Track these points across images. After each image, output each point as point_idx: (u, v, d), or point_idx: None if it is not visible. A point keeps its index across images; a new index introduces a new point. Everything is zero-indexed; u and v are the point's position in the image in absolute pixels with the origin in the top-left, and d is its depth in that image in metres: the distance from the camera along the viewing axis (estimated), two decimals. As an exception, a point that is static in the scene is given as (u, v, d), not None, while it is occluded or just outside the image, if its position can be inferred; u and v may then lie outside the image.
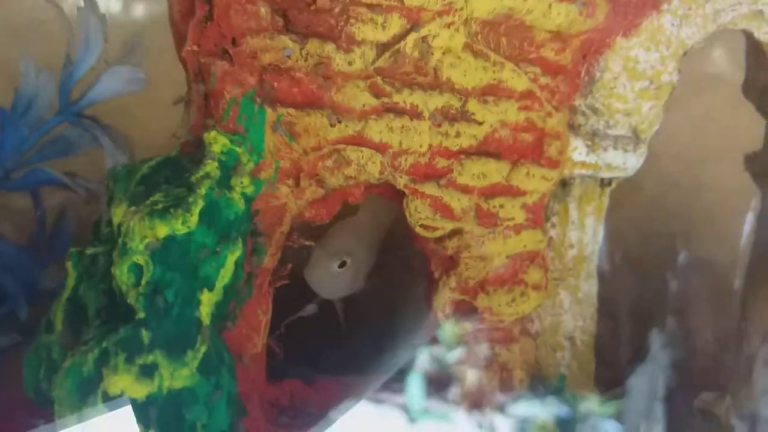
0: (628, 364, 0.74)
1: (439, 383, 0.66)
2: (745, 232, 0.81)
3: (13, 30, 0.80)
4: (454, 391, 0.66)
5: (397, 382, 0.65)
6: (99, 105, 0.74)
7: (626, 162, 0.71)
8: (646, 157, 0.72)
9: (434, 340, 0.67)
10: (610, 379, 0.73)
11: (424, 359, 0.66)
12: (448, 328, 0.67)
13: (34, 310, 0.76)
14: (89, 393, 0.54)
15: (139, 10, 0.87)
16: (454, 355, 0.67)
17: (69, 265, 0.61)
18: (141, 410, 0.54)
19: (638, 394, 0.70)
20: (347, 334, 0.76)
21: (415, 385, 0.65)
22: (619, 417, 0.68)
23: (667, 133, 0.76)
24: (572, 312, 0.74)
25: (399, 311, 0.79)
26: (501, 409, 0.66)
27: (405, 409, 0.63)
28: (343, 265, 0.68)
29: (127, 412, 0.52)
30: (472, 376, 0.67)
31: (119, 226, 0.57)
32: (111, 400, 0.54)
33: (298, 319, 0.71)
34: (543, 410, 0.67)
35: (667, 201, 1.02)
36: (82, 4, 0.72)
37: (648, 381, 0.70)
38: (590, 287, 0.74)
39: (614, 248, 0.81)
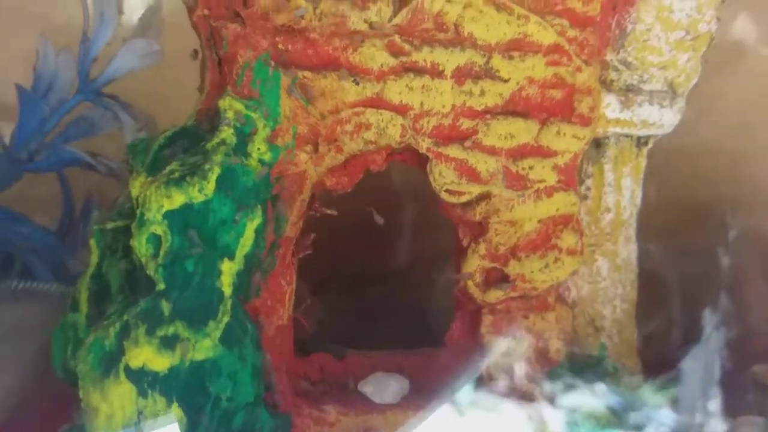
0: (680, 347, 0.70)
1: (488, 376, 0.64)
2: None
3: (29, 9, 0.80)
4: (502, 384, 0.64)
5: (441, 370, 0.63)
6: (120, 84, 0.74)
7: (663, 118, 0.68)
8: (687, 122, 0.69)
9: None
10: (661, 362, 0.69)
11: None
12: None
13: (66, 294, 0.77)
14: (112, 367, 0.53)
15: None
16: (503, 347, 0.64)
17: (92, 242, 0.61)
18: (164, 384, 0.53)
19: (693, 378, 0.66)
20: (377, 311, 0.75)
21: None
22: (673, 403, 0.65)
23: (709, 96, 0.73)
24: (611, 279, 0.71)
25: (430, 290, 0.77)
26: (550, 399, 0.63)
27: (453, 401, 0.61)
28: None
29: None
30: (520, 369, 0.64)
31: (137, 198, 0.56)
32: (134, 374, 0.53)
33: (328, 296, 0.70)
34: (592, 400, 0.64)
35: (710, 169, 0.97)
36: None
37: (703, 364, 0.66)
38: (629, 253, 0.71)
39: (658, 220, 0.77)
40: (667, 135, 0.70)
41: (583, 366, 0.68)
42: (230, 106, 0.56)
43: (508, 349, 0.65)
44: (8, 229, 0.72)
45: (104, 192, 0.80)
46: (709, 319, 0.69)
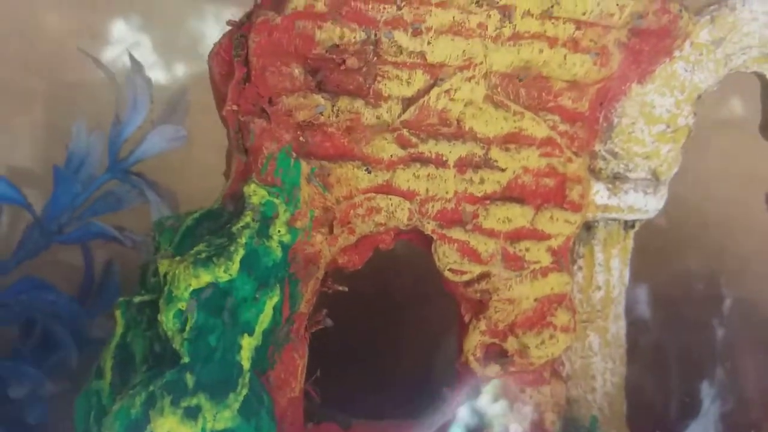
0: (679, 420, 0.72)
1: None
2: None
3: (66, 93, 0.87)
4: None
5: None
6: (145, 162, 0.80)
7: (647, 204, 0.73)
8: (678, 200, 0.74)
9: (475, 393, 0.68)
10: None
11: (464, 412, 0.67)
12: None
13: (83, 359, 0.80)
14: (137, 435, 0.57)
15: (181, 72, 0.94)
16: (496, 408, 0.68)
17: (117, 313, 0.64)
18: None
19: None
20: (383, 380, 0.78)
21: None
22: None
23: (693, 175, 0.78)
24: (602, 354, 0.75)
25: (435, 358, 0.80)
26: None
27: None
28: None
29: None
30: (513, 431, 0.68)
31: (165, 275, 0.61)
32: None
33: (335, 365, 0.73)
34: None
35: (700, 243, 1.02)
36: (129, 68, 0.78)
37: None
38: (618, 329, 0.75)
39: (653, 295, 0.82)
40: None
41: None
42: (254, 192, 0.61)
43: (506, 416, 0.68)
44: (35, 296, 0.76)
45: (124, 261, 0.85)
46: (706, 391, 0.72)
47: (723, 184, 1.02)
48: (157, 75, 0.91)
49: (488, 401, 0.68)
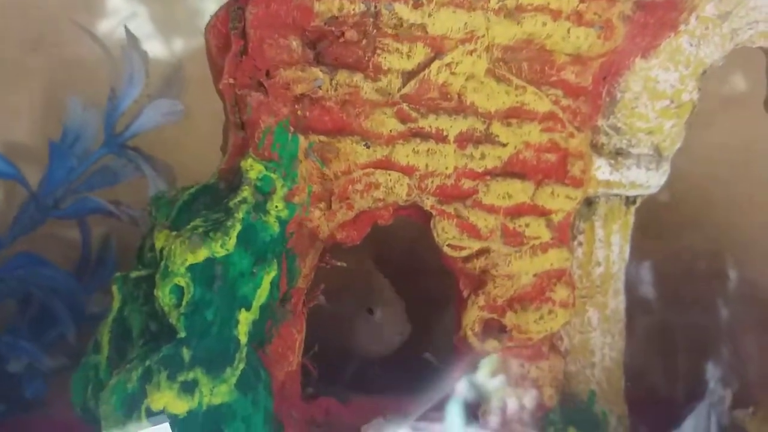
0: (685, 402, 0.72)
1: (478, 411, 0.67)
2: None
3: (62, 68, 0.86)
4: (493, 419, 0.67)
5: (436, 410, 0.67)
6: (141, 136, 0.79)
7: (649, 180, 0.73)
8: (681, 176, 0.73)
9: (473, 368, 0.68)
10: (665, 417, 0.71)
11: (463, 387, 0.67)
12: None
13: (81, 334, 0.80)
14: (133, 409, 0.57)
15: (178, 46, 0.92)
16: (494, 383, 0.68)
17: (114, 288, 0.64)
18: (182, 426, 0.57)
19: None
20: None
21: (454, 413, 0.66)
22: None
23: (696, 152, 0.77)
24: (601, 329, 0.75)
25: (432, 334, 0.80)
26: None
27: None
28: (371, 312, 0.70)
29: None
30: (512, 404, 0.68)
31: (161, 250, 0.60)
32: (154, 416, 0.56)
33: (333, 340, 0.73)
34: None
35: (702, 221, 1.01)
36: (125, 41, 0.77)
37: (704, 420, 0.69)
38: (618, 304, 0.75)
39: (655, 273, 0.81)
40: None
41: (573, 411, 0.72)
42: (251, 166, 0.60)
43: (503, 391, 0.69)
44: (31, 271, 0.75)
45: (121, 236, 0.84)
46: (712, 372, 0.72)
47: (726, 162, 1.01)
48: (154, 48, 0.90)
49: (486, 376, 0.68)
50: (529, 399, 0.70)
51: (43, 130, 0.78)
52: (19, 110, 0.91)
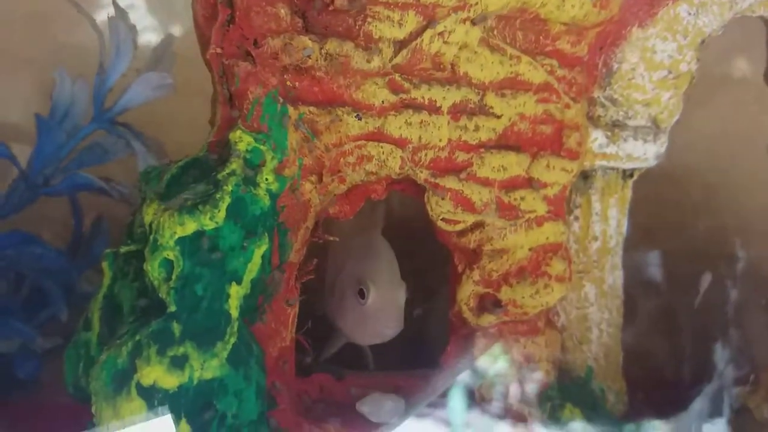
0: (693, 385, 0.71)
1: (481, 397, 0.66)
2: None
3: (49, 41, 0.84)
4: (496, 405, 0.67)
5: (439, 396, 0.66)
6: (131, 112, 0.77)
7: (646, 152, 0.72)
8: (680, 152, 0.72)
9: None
10: (672, 400, 0.70)
11: (459, 364, 0.67)
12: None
13: (73, 313, 0.79)
14: (124, 384, 0.56)
15: (167, 21, 0.91)
16: (491, 359, 0.67)
17: (105, 264, 0.63)
18: (173, 401, 0.56)
19: (700, 415, 0.67)
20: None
21: (456, 398, 0.65)
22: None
23: (694, 128, 0.76)
24: (598, 304, 0.74)
25: (428, 313, 0.80)
26: (541, 421, 0.66)
27: (447, 423, 0.63)
28: (363, 294, 0.65)
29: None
30: (515, 390, 0.67)
31: (150, 224, 0.59)
32: (145, 391, 0.56)
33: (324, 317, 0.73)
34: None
35: (699, 197, 1.00)
36: (113, 14, 0.76)
37: (711, 402, 0.68)
38: (615, 279, 0.74)
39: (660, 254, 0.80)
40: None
41: (571, 387, 0.71)
42: (240, 139, 0.59)
43: (500, 370, 0.68)
44: (22, 250, 0.74)
45: (113, 214, 0.83)
46: (720, 354, 0.71)
47: (726, 143, 1.00)
48: (144, 22, 0.89)
49: (483, 352, 0.67)
50: (526, 374, 0.69)
51: (34, 110, 0.77)
52: (8, 90, 0.90)
